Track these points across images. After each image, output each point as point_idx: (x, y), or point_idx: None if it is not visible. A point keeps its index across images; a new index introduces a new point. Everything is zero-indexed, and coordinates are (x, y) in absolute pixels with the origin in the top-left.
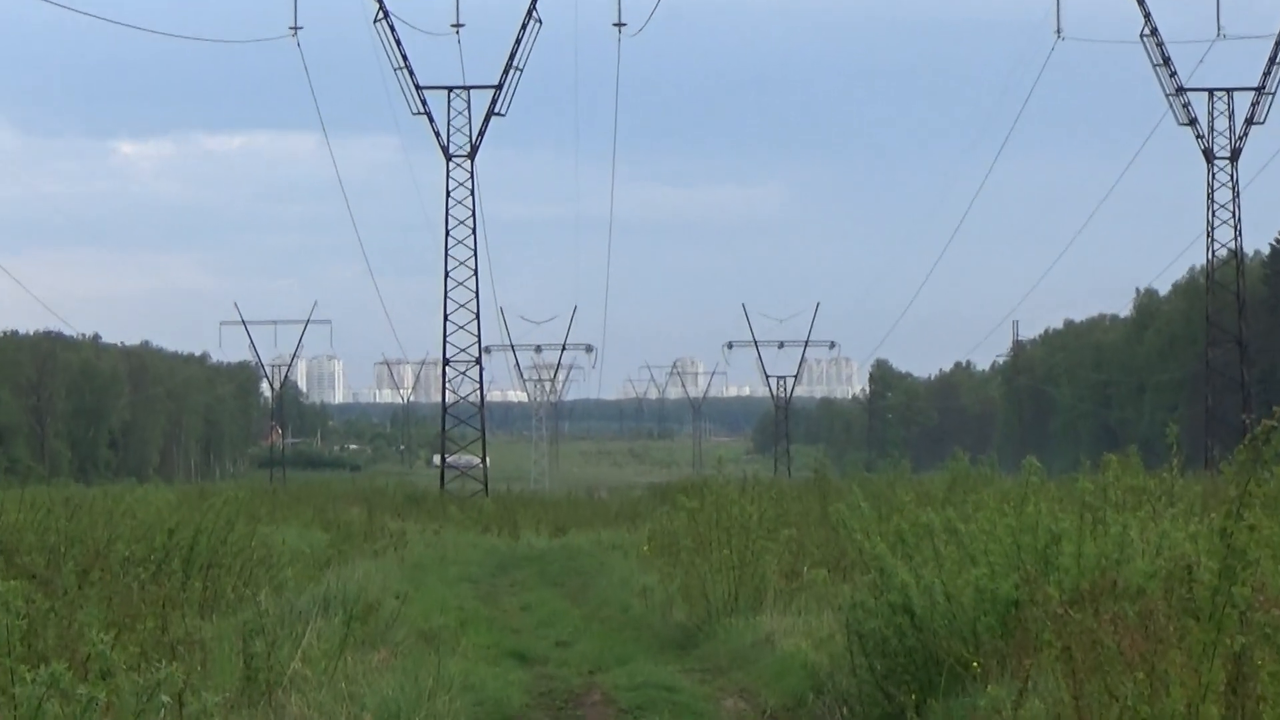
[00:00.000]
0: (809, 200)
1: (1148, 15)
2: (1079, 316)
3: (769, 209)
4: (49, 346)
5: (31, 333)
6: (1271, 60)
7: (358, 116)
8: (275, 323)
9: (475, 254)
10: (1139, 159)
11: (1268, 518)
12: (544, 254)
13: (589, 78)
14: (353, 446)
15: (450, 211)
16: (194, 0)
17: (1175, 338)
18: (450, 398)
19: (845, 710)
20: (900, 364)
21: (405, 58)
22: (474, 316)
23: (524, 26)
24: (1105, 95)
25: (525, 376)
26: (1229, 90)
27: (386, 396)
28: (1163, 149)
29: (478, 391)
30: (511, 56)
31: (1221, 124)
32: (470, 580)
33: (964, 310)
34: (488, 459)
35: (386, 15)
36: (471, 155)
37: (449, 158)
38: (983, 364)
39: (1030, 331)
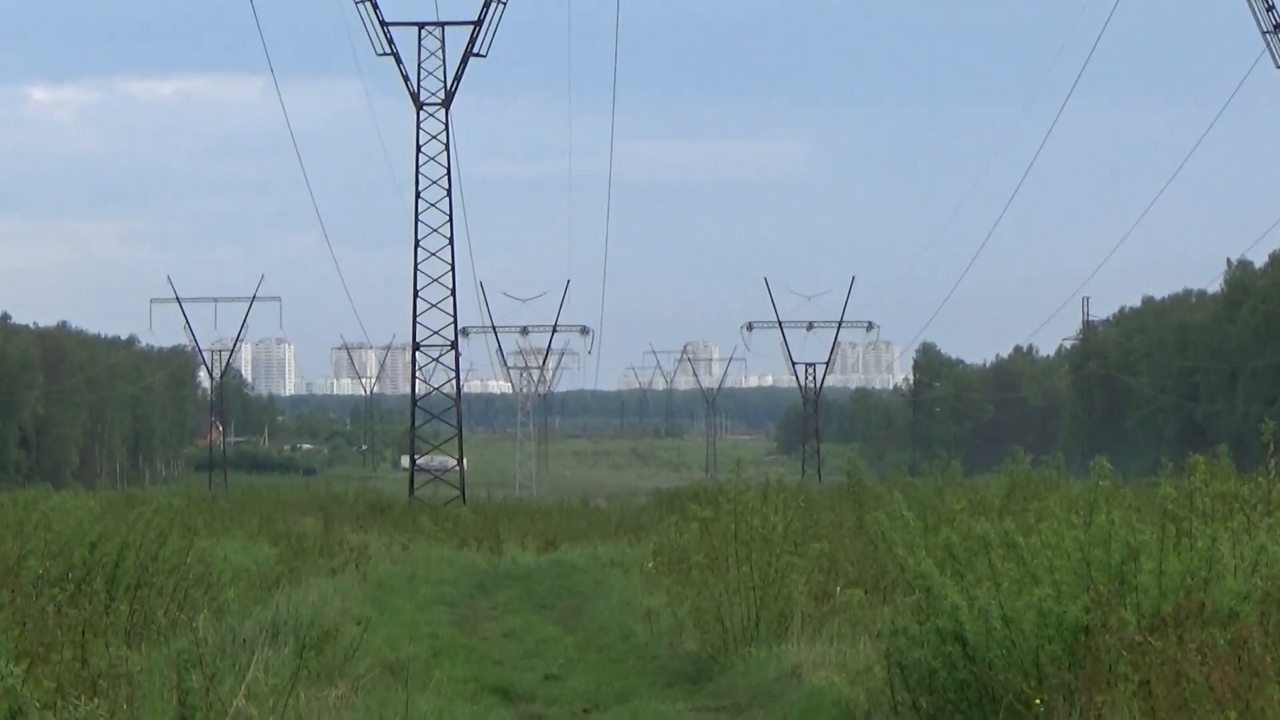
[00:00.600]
0: (842, 158)
1: None
2: (1160, 293)
3: (796, 167)
4: None
5: None
6: None
7: (312, 58)
8: (215, 300)
9: (451, 220)
10: (1229, 110)
11: None
12: (532, 220)
13: (584, 12)
14: (306, 446)
15: (421, 169)
16: None
17: (1272, 317)
18: (421, 388)
19: None
20: (949, 349)
21: None
22: (449, 293)
23: None
24: (1190, 35)
25: (509, 364)
26: None
27: (346, 387)
28: (1258, 98)
29: (453, 381)
30: None
31: None
32: (444, 603)
33: (1025, 286)
34: (465, 461)
35: None
36: (446, 104)
37: (420, 106)
38: (1047, 349)
39: (1103, 311)
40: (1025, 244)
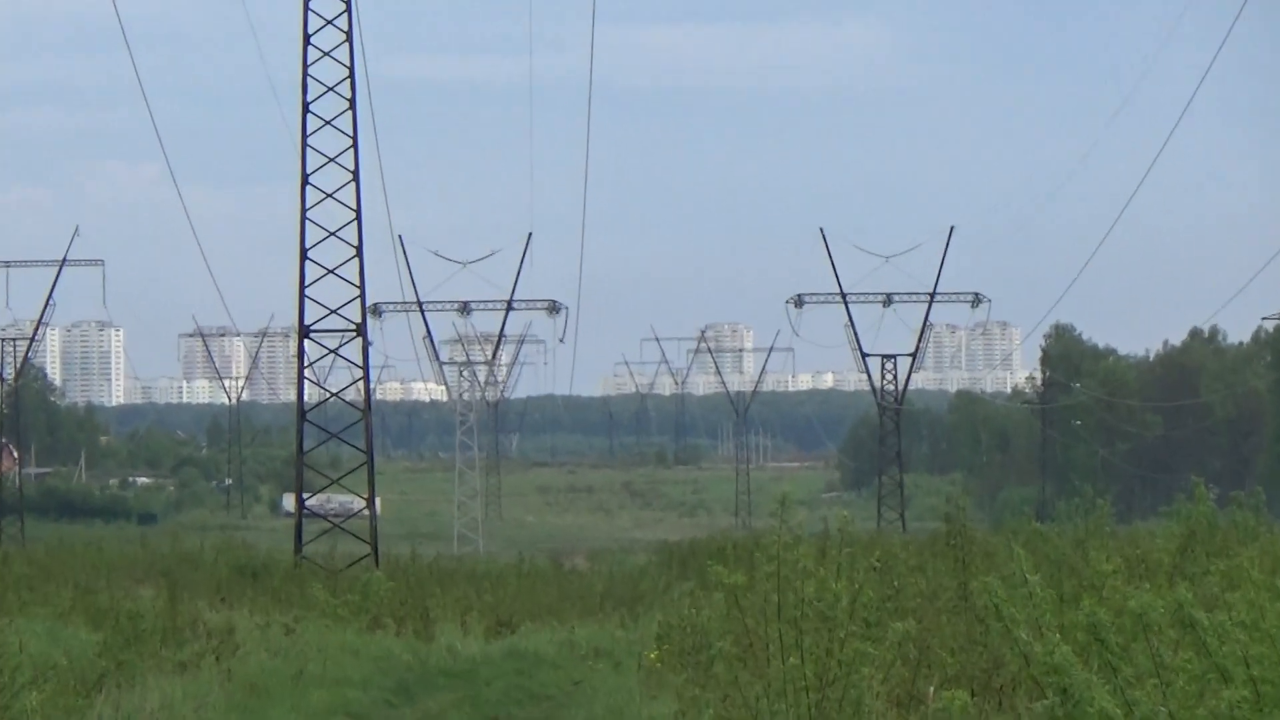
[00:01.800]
0: (931, 52)
1: None
2: None
3: (867, 66)
4: None
5: None
6: None
7: None
8: (6, 264)
9: (355, 145)
10: None
11: None
12: (476, 146)
13: None
14: (143, 480)
15: (310, 69)
16: None
17: None
18: (312, 394)
19: None
20: (1093, 334)
21: None
22: (353, 253)
23: None
24: None
25: (443, 357)
26: None
27: (202, 392)
28: None
29: (361, 384)
30: None
31: None
32: (349, 714)
33: (1202, 243)
34: (378, 502)
35: None
36: None
37: None
38: (1238, 333)
39: None
40: (1202, 182)
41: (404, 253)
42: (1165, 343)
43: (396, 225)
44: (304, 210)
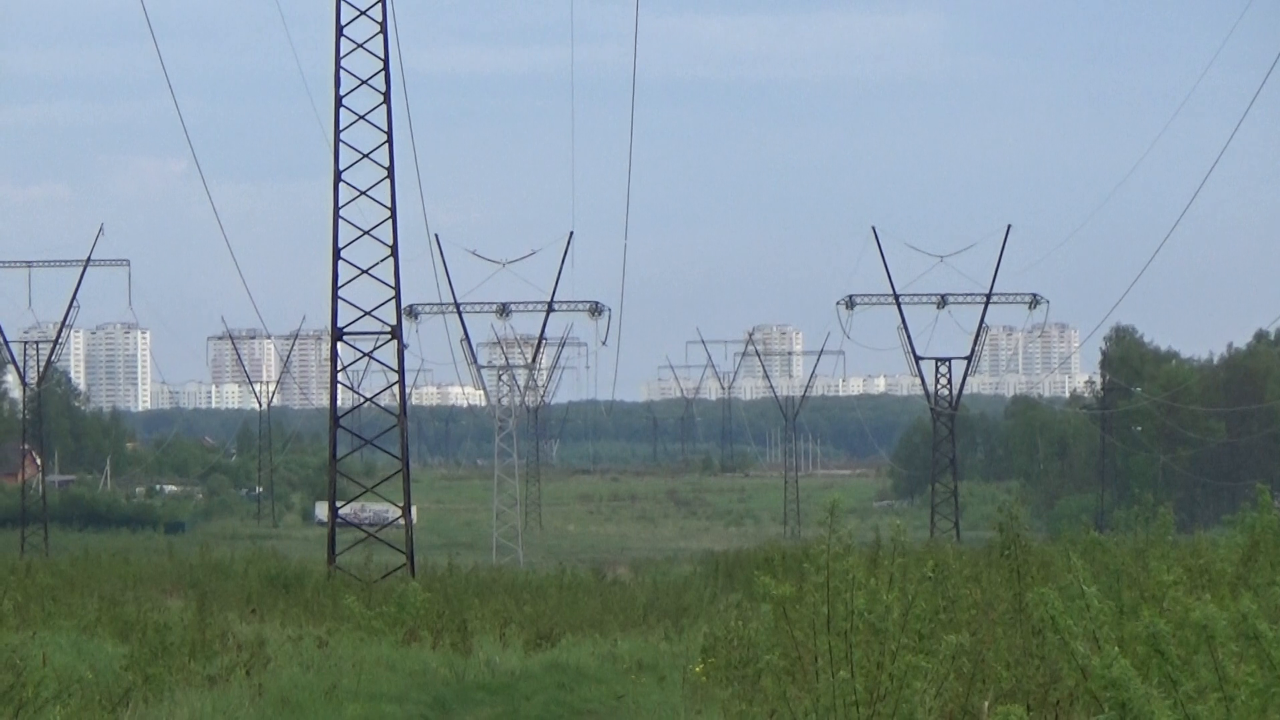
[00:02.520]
0: (988, 43)
1: None
2: None
3: (916, 57)
4: None
5: None
6: None
7: None
8: (29, 264)
9: (390, 141)
10: None
11: None
12: (515, 142)
13: None
14: (170, 488)
15: (343, 62)
16: None
17: None
18: (346, 399)
19: None
20: (1155, 336)
21: None
22: (388, 253)
23: None
24: None
25: (482, 361)
26: None
27: (230, 397)
28: None
29: (394, 388)
30: None
31: None
32: None
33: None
34: (414, 510)
35: None
36: None
37: None
38: None
39: None
40: (1269, 179)
41: (440, 252)
42: (1230, 345)
43: (433, 224)
44: (337, 208)
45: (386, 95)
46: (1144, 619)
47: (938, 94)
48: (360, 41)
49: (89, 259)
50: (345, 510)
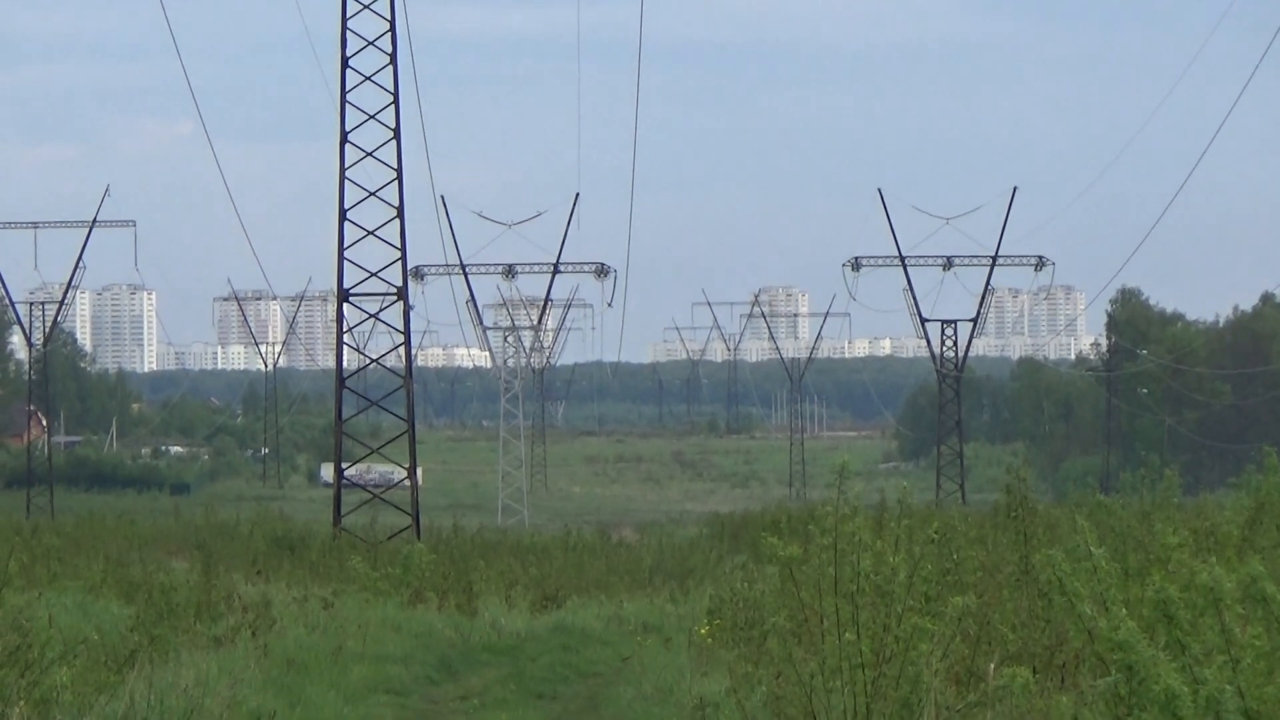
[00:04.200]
0: (995, 6)
1: None
2: None
3: (923, 19)
4: None
5: None
6: None
7: None
8: (35, 225)
9: (396, 101)
10: None
11: None
12: (520, 104)
13: None
14: (176, 449)
15: (350, 23)
16: None
17: None
18: (352, 360)
19: None
20: (1161, 299)
21: None
22: (394, 214)
23: None
24: None
25: (487, 322)
26: None
27: (237, 358)
28: None
29: (401, 349)
30: None
31: None
32: (390, 691)
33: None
34: (420, 472)
35: None
36: None
37: None
38: None
39: None
40: (1275, 141)
41: (446, 213)
42: (1235, 308)
43: (439, 185)
44: (343, 169)
45: (393, 56)
46: (1151, 583)
47: (945, 58)
48: (366, 3)
49: (95, 220)
50: (351, 471)
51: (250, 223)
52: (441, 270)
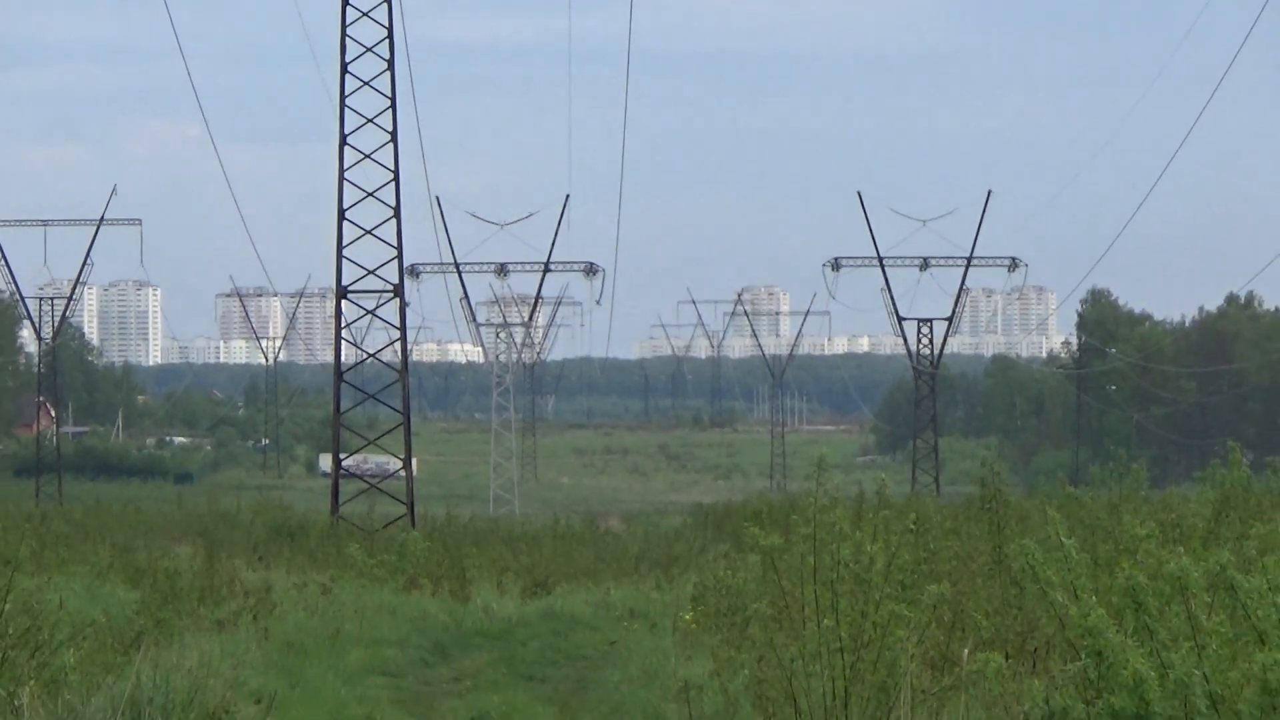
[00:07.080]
0: (970, 13)
1: None
2: None
3: (900, 27)
4: None
5: None
6: None
7: None
8: (45, 223)
9: (394, 106)
10: None
11: None
12: (513, 108)
13: None
14: (180, 440)
15: (350, 30)
16: None
17: None
18: (350, 354)
19: None
20: (1130, 299)
21: None
22: (391, 214)
23: None
24: None
25: (480, 319)
26: None
27: (239, 352)
28: None
29: (397, 345)
30: None
31: None
32: (385, 673)
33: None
34: (415, 462)
35: None
36: None
37: None
38: (1275, 299)
39: None
40: (1242, 147)
41: (441, 214)
42: (1201, 309)
43: (434, 186)
44: (342, 171)
45: (390, 62)
46: (1120, 572)
47: (922, 65)
48: (365, 10)
49: (102, 218)
50: (348, 462)
51: (252, 222)
52: (436, 268)
